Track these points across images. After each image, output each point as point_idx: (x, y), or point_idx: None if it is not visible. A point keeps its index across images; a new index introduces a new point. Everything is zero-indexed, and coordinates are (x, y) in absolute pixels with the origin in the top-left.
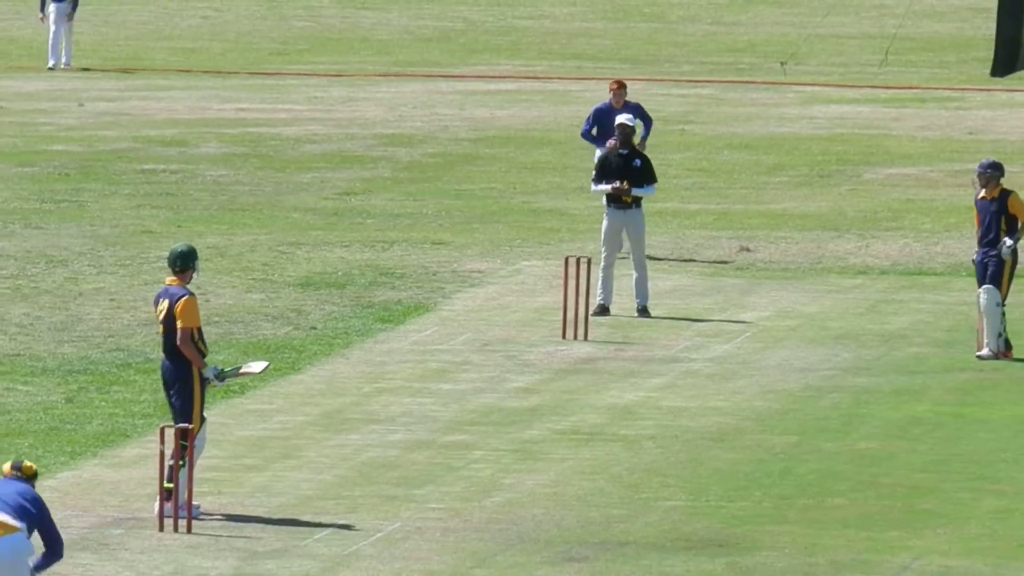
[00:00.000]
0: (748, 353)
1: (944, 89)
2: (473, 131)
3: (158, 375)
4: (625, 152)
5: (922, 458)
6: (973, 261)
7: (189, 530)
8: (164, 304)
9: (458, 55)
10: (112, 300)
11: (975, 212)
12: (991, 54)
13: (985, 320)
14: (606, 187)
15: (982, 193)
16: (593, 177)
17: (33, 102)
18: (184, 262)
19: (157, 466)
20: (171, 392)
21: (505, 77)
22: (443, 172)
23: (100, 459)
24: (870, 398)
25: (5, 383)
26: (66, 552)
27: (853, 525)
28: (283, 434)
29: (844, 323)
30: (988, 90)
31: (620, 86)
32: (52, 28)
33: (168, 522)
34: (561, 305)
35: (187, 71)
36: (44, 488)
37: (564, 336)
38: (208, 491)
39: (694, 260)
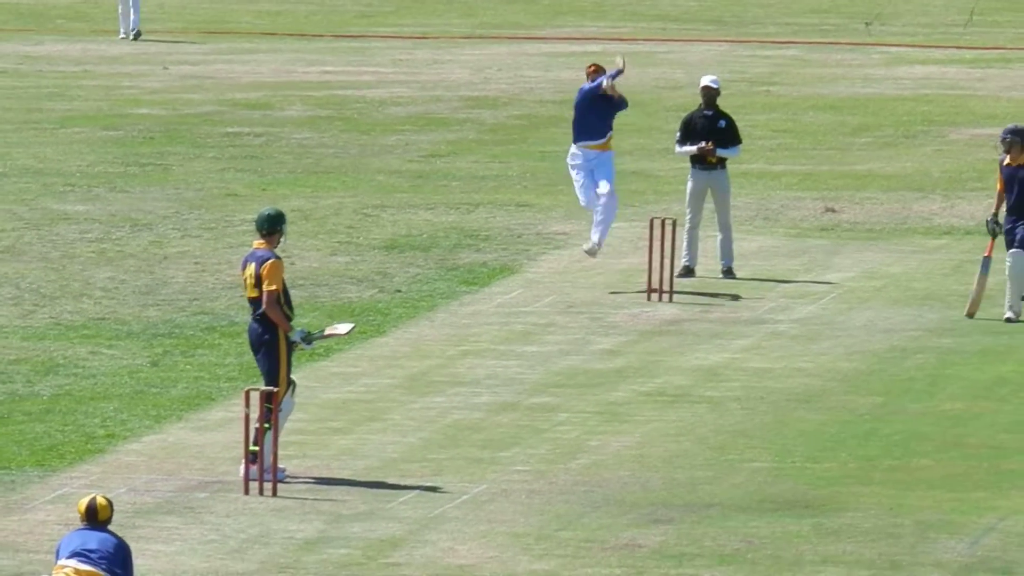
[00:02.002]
0: (833, 314)
1: None
2: (558, 93)
3: (243, 338)
4: (710, 113)
5: (1008, 418)
6: (988, 223)
7: (275, 493)
8: (251, 267)
9: (543, 17)
10: (197, 263)
11: (999, 176)
12: None
13: (1009, 283)
14: (691, 148)
15: (1007, 159)
16: (678, 139)
17: (117, 66)
18: (271, 225)
19: (242, 429)
20: (258, 356)
21: (590, 39)
22: (528, 134)
23: (185, 423)
24: (955, 358)
25: (90, 347)
26: (152, 515)
27: (939, 486)
28: (368, 397)
29: (929, 283)
30: None
31: (597, 69)
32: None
33: (253, 485)
34: (646, 267)
35: (272, 34)
36: (129, 452)
37: (649, 298)
38: (294, 454)
39: (779, 221)
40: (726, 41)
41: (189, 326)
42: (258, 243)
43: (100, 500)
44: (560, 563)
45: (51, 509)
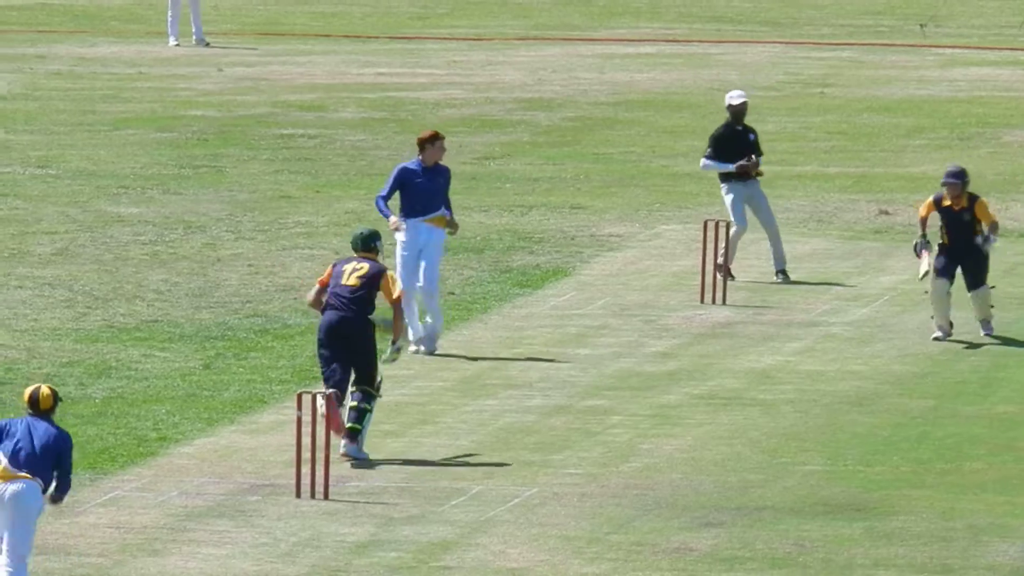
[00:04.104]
0: (886, 317)
1: None
2: (612, 95)
3: (296, 341)
4: (740, 128)
5: None
6: (916, 246)
7: (326, 496)
8: (365, 267)
9: (598, 18)
10: (250, 266)
11: (928, 206)
12: None
13: (934, 306)
14: (730, 166)
15: (948, 202)
16: (708, 154)
17: (172, 67)
18: (365, 243)
19: (295, 432)
20: (353, 349)
21: (645, 40)
22: (582, 136)
23: (237, 425)
24: (1009, 361)
25: (143, 349)
26: (203, 518)
27: (991, 489)
28: (420, 400)
29: None
30: None
31: (436, 136)
32: (170, 5)
33: (305, 489)
34: (700, 269)
35: (326, 36)
36: (181, 455)
37: (702, 300)
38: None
39: (832, 223)
40: (781, 42)
41: (242, 329)
42: (362, 254)
43: (44, 390)
44: (611, 567)
45: (102, 512)
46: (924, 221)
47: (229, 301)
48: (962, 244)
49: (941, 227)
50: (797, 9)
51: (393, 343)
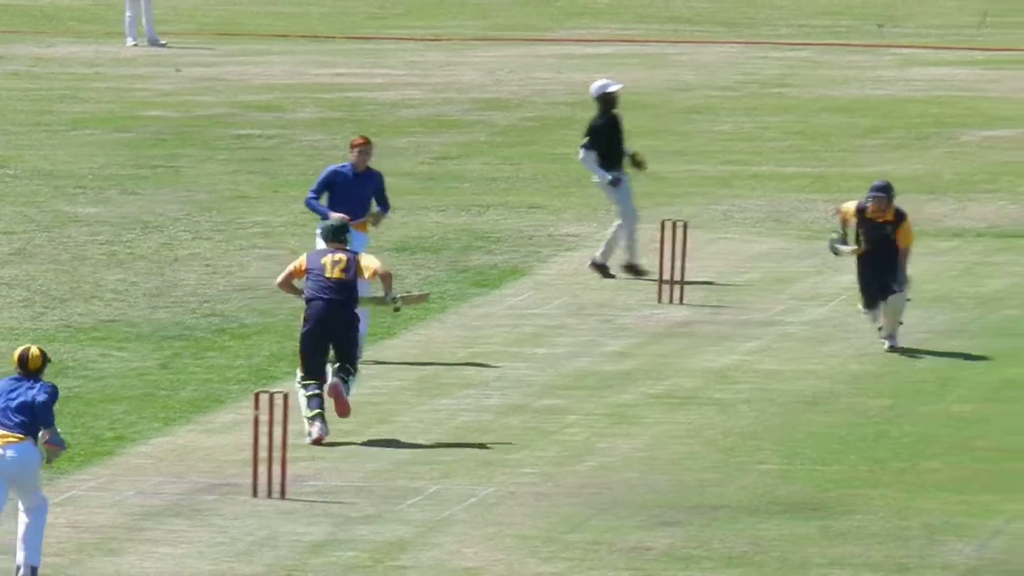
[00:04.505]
0: (843, 316)
1: None
2: (570, 95)
3: (253, 340)
4: (613, 115)
5: (1017, 421)
6: (832, 244)
7: (283, 496)
8: (342, 257)
9: (555, 18)
10: (208, 266)
11: (846, 213)
12: None
13: (886, 317)
14: (608, 177)
15: (869, 211)
16: (587, 144)
17: (129, 68)
18: (335, 234)
19: (252, 432)
20: (344, 333)
21: (602, 41)
22: (540, 136)
23: (194, 425)
24: (965, 361)
25: (100, 349)
26: (160, 517)
27: (947, 488)
28: (377, 399)
29: (939, 285)
30: None
31: (366, 142)
32: (128, 6)
33: (262, 489)
34: (657, 269)
35: (284, 36)
36: (138, 454)
37: (659, 300)
38: (302, 456)
39: (790, 223)
40: (738, 43)
41: (199, 328)
42: (334, 245)
43: (33, 350)
44: (568, 566)
45: (59, 512)
46: (845, 220)
47: (186, 301)
48: (881, 255)
49: (858, 236)
50: (755, 9)
51: (390, 298)
